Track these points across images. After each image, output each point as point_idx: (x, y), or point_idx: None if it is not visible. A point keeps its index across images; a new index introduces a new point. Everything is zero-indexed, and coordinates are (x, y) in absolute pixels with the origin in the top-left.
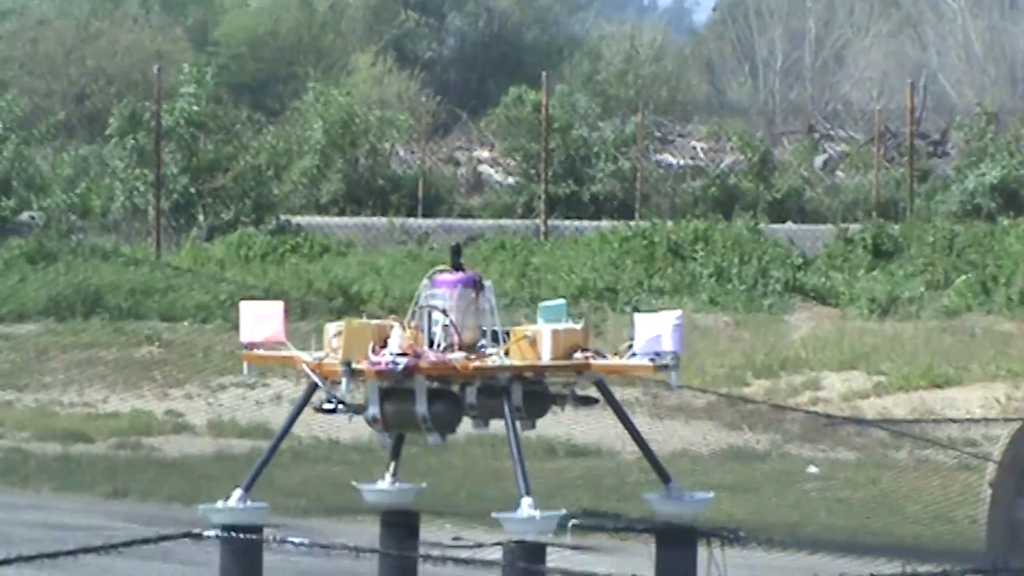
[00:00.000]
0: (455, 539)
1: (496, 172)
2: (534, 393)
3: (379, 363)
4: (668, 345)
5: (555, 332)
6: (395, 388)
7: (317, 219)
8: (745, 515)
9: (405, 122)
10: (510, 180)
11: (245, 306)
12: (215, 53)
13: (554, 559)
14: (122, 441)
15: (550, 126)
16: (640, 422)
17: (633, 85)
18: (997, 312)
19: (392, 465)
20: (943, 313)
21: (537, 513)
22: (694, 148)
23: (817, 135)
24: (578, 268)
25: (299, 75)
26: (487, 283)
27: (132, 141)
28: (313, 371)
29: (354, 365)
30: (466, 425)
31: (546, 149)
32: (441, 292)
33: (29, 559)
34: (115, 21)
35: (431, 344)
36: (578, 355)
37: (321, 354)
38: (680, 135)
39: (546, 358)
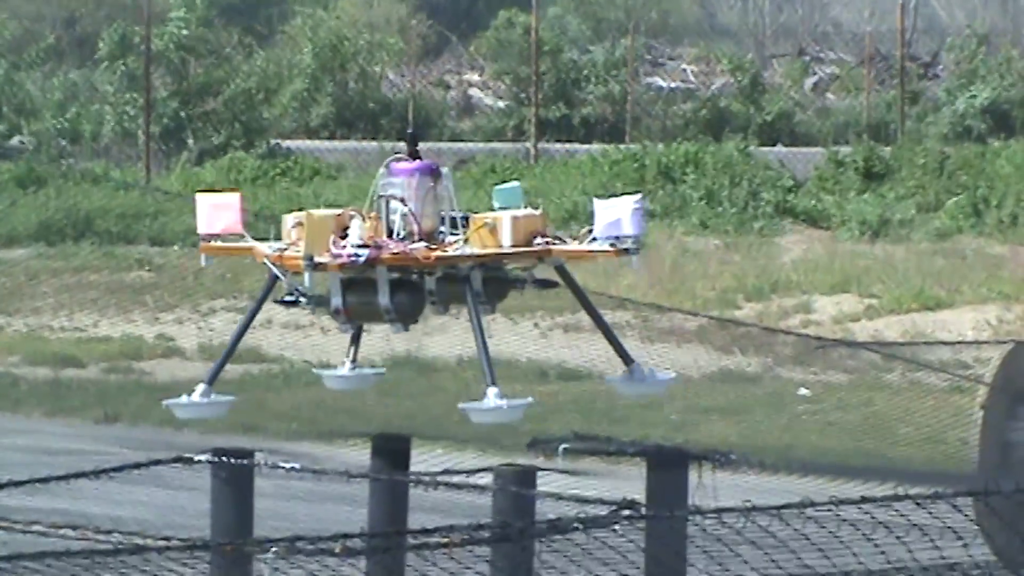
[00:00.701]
0: (445, 472)
1: (486, 95)
2: (494, 278)
3: (341, 256)
4: (628, 229)
5: (515, 219)
6: (356, 279)
7: (307, 143)
8: (737, 438)
9: (395, 45)
10: (500, 103)
11: (201, 197)
12: None
13: (545, 483)
14: (113, 365)
15: (540, 49)
16: (631, 345)
17: (623, 7)
18: (988, 235)
19: (351, 350)
20: (934, 236)
21: (504, 402)
22: (684, 71)
23: (807, 57)
24: (568, 191)
25: None
26: (444, 170)
27: (122, 66)
28: (273, 263)
29: (316, 258)
30: (457, 347)
31: (536, 72)
32: (399, 181)
33: (19, 484)
34: None
35: (390, 233)
36: (538, 241)
37: (281, 244)
38: (670, 58)
39: (507, 245)
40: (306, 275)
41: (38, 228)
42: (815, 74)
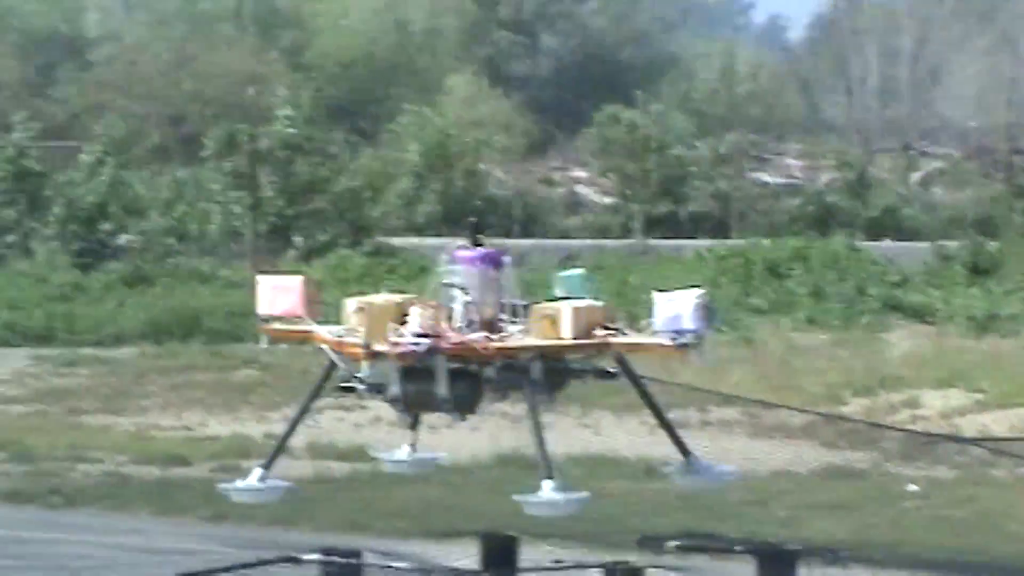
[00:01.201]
0: (556, 561)
1: (593, 192)
2: (554, 368)
3: (401, 345)
4: (688, 323)
5: (576, 310)
6: (415, 368)
7: (414, 240)
8: (845, 534)
9: (500, 143)
10: (607, 200)
11: (263, 279)
12: (309, 75)
13: None
14: (220, 464)
15: (646, 145)
16: (738, 442)
17: (728, 104)
18: None
19: (412, 436)
20: None
21: (560, 496)
22: (789, 166)
23: (913, 152)
24: (675, 287)
25: (394, 96)
26: (506, 258)
27: (228, 164)
28: (333, 349)
29: (375, 347)
30: (563, 444)
31: (643, 169)
32: (461, 269)
33: None
34: (210, 44)
35: (450, 321)
36: (599, 332)
37: (341, 329)
38: (776, 153)
39: (567, 336)
40: (364, 364)
41: (145, 327)
42: (921, 169)
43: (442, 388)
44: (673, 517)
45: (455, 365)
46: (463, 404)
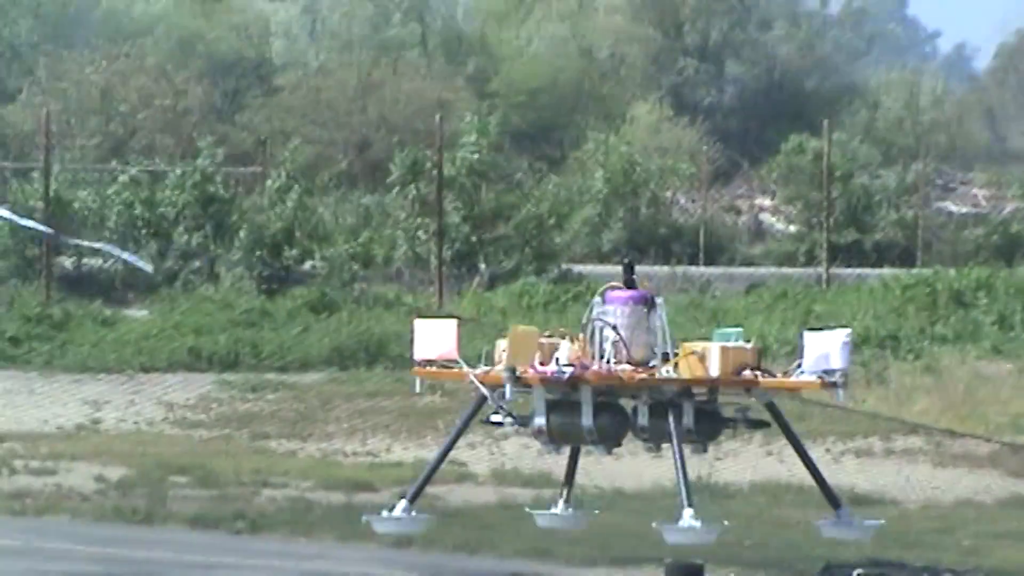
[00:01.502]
0: None
1: (777, 220)
2: (706, 414)
3: (544, 370)
4: (836, 363)
5: (724, 349)
6: (561, 400)
7: (599, 268)
8: None
9: (686, 171)
10: (791, 228)
11: (420, 323)
12: (494, 102)
13: None
14: (406, 490)
15: (831, 174)
16: (922, 471)
17: (913, 132)
18: None
19: (565, 491)
20: None
21: (698, 523)
22: (975, 195)
23: None
24: (860, 315)
25: (579, 124)
26: (659, 300)
27: (414, 190)
28: (480, 382)
29: (518, 371)
30: (748, 472)
31: (828, 198)
32: (612, 308)
33: None
34: (397, 70)
35: (601, 358)
36: (747, 373)
37: (488, 368)
38: (961, 183)
39: (714, 374)
40: (507, 386)
41: (331, 352)
42: None
43: (587, 419)
44: (857, 547)
45: (601, 398)
46: (608, 436)
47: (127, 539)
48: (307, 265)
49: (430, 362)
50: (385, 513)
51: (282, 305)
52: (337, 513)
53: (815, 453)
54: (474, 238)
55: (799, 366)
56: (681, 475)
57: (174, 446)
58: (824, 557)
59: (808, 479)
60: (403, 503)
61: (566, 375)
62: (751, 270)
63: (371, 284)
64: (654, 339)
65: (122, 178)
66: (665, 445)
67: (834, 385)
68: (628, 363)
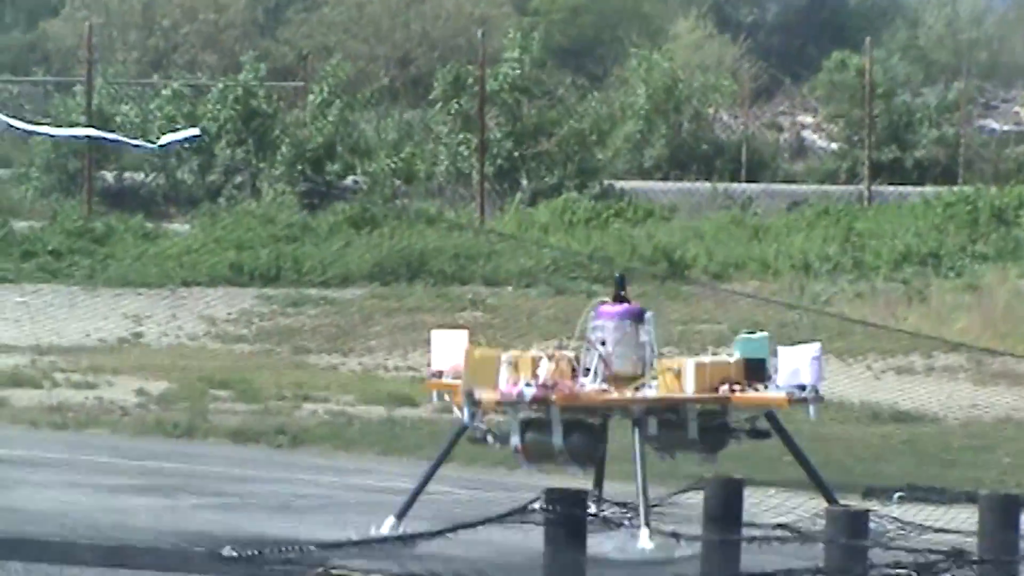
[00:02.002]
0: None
1: (819, 138)
2: (714, 427)
3: (507, 392)
4: (806, 378)
5: (699, 365)
6: (536, 419)
7: (640, 184)
8: None
9: (729, 87)
10: (833, 146)
11: (436, 335)
12: (537, 18)
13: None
14: (445, 405)
15: (873, 92)
16: (963, 388)
17: (954, 50)
18: None
19: (596, 493)
20: None
21: (651, 546)
22: (1017, 113)
23: None
24: (901, 234)
25: (621, 40)
26: (648, 315)
27: (456, 106)
28: (459, 405)
29: (477, 394)
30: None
31: (870, 115)
32: (601, 324)
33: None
34: None
35: (587, 373)
36: (724, 388)
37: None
38: (1003, 100)
39: (689, 391)
40: (465, 409)
41: (372, 268)
42: None
43: (558, 438)
44: (898, 463)
45: (575, 417)
46: (579, 455)
47: (168, 453)
48: (349, 180)
49: (443, 374)
50: (373, 530)
51: (323, 220)
52: (378, 428)
53: (855, 370)
54: (516, 154)
55: (774, 379)
56: (642, 495)
57: (215, 360)
58: (865, 474)
59: (849, 394)
60: (391, 520)
61: (527, 396)
62: (793, 187)
63: (412, 199)
64: (644, 353)
65: (164, 93)
66: (679, 453)
67: (804, 401)
68: (617, 377)
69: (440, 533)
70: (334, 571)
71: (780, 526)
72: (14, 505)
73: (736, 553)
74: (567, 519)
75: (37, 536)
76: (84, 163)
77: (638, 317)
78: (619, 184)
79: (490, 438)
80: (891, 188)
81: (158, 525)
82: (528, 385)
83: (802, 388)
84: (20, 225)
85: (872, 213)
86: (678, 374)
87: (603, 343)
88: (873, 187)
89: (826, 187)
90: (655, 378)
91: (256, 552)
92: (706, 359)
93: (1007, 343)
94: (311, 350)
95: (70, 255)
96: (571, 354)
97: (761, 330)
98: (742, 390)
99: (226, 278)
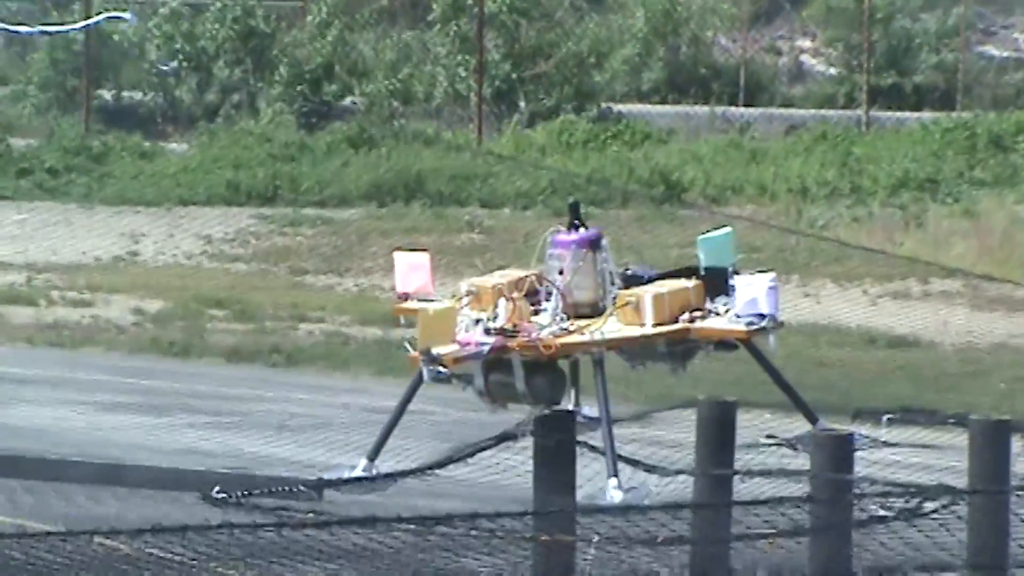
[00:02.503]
0: (768, 436)
1: (818, 62)
2: (681, 343)
3: (464, 348)
4: (764, 307)
5: (657, 297)
6: (498, 360)
7: (638, 107)
8: None
9: (727, 11)
10: (832, 70)
11: (399, 256)
12: None
13: (865, 455)
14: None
15: (872, 16)
16: (959, 314)
17: None
18: None
19: (572, 393)
20: None
21: (620, 495)
22: (1016, 40)
23: None
24: (899, 159)
25: None
26: (604, 241)
27: (455, 27)
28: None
29: (434, 351)
30: (784, 314)
31: (868, 40)
32: (558, 252)
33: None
34: None
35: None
36: (684, 317)
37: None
38: (1002, 27)
39: (649, 324)
40: (424, 368)
41: (369, 189)
42: None
43: (520, 383)
44: (892, 388)
45: (536, 358)
46: (542, 396)
47: (164, 371)
48: (347, 101)
49: (408, 296)
50: (347, 473)
51: (321, 140)
52: (373, 348)
53: (852, 294)
54: (514, 76)
55: (731, 309)
56: (609, 444)
57: (212, 280)
58: (858, 399)
59: (845, 319)
60: (364, 461)
61: (486, 348)
62: (791, 112)
63: (410, 120)
64: (603, 280)
65: (162, 11)
66: (691, 361)
67: (763, 330)
68: (578, 305)
69: (430, 468)
70: None
71: (769, 436)
72: (9, 423)
73: (728, 482)
74: (557, 444)
75: (33, 454)
76: (82, 81)
77: (595, 243)
78: (617, 107)
79: (454, 380)
80: (889, 113)
81: (153, 443)
82: (487, 332)
83: (761, 317)
84: (18, 143)
85: (870, 138)
86: (637, 307)
87: (560, 272)
88: (871, 112)
89: (824, 112)
90: (613, 314)
91: (245, 493)
92: (664, 288)
93: (1004, 269)
94: (308, 270)
95: (67, 173)
96: (532, 277)
97: (758, 255)
98: (703, 316)
99: (223, 197)
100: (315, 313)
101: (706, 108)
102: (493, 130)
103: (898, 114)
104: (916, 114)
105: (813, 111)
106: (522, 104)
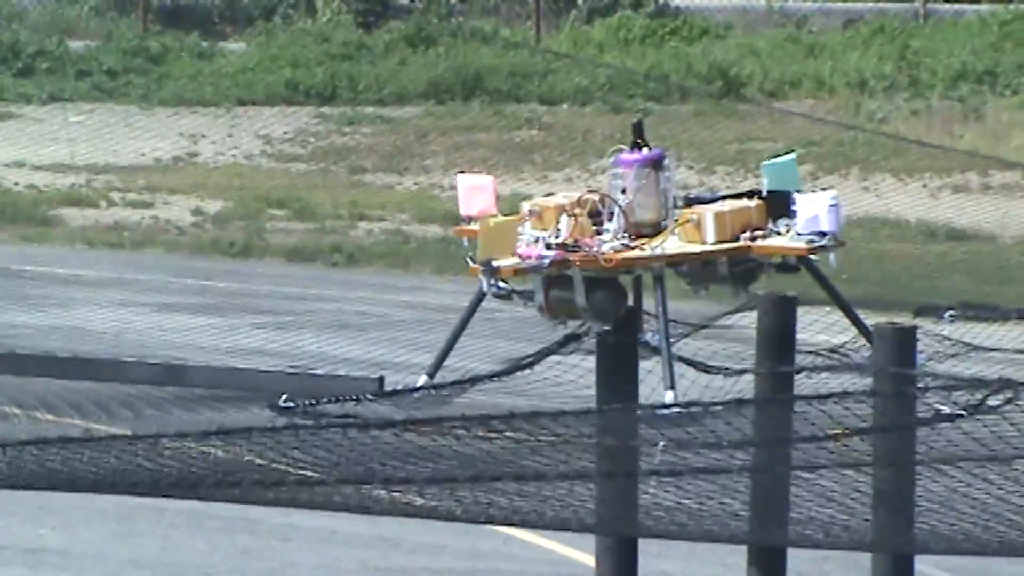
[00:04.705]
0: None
1: None
2: (742, 263)
3: (525, 260)
4: (825, 225)
5: (719, 214)
6: (559, 276)
7: (696, 2)
8: None
9: None
10: None
11: (461, 179)
12: None
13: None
14: None
15: None
16: (1019, 207)
17: None
18: None
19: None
20: None
21: (676, 410)
22: None
23: None
24: (957, 51)
25: None
26: (667, 160)
27: None
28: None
29: (495, 263)
30: (845, 208)
31: None
32: (620, 172)
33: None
34: None
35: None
36: (745, 235)
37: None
38: None
39: (710, 241)
40: (483, 279)
41: (427, 87)
42: None
43: (580, 297)
44: (954, 279)
45: (597, 275)
46: (602, 312)
47: (224, 272)
48: None
49: (472, 219)
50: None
51: (379, 38)
52: (434, 246)
53: (911, 188)
54: None
55: (793, 227)
56: (667, 355)
57: (271, 179)
58: (920, 290)
59: (905, 213)
60: (424, 377)
61: (547, 261)
62: (848, 5)
63: (468, 18)
64: (665, 200)
65: None
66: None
67: (824, 248)
68: (640, 225)
69: (497, 375)
70: None
71: (833, 351)
72: (70, 324)
73: (789, 379)
74: (618, 345)
75: (93, 355)
76: None
77: (658, 163)
78: (674, 2)
79: (515, 296)
80: (947, 6)
81: (215, 343)
82: (548, 247)
83: (822, 235)
84: (75, 44)
85: (928, 31)
86: (698, 224)
87: (623, 191)
88: (928, 4)
89: (881, 4)
90: (674, 231)
91: (312, 403)
92: (726, 206)
93: None
94: (367, 169)
95: (125, 74)
96: (596, 197)
97: (817, 149)
98: (764, 236)
99: (282, 97)
100: (375, 212)
101: (763, 2)
102: (551, 27)
103: (956, 6)
104: (974, 6)
105: (871, 4)
106: (579, 0)
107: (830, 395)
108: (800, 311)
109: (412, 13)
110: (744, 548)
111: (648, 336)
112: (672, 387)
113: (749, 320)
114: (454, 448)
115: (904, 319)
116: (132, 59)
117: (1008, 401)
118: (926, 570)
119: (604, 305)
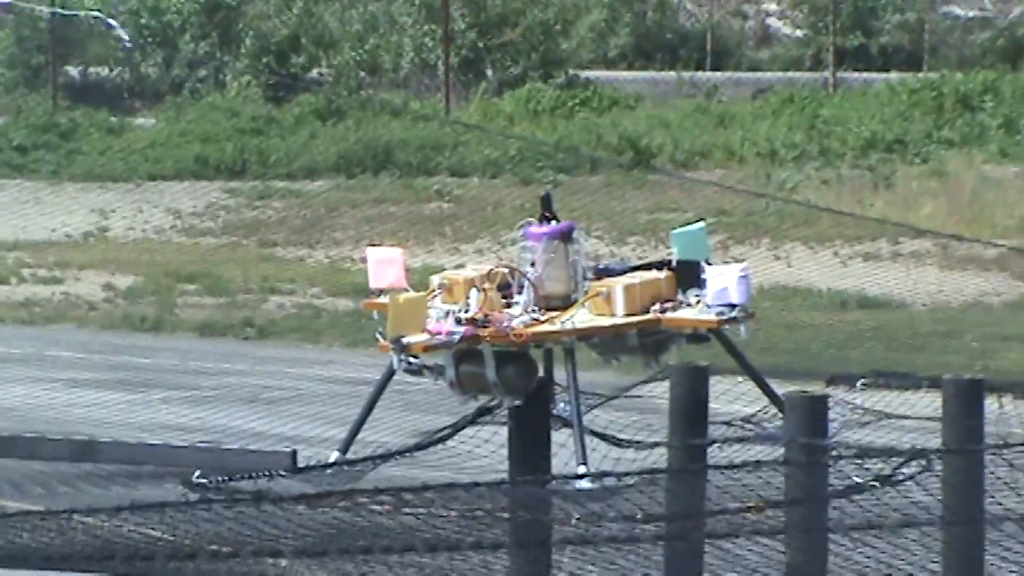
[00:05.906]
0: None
1: (784, 25)
2: (654, 335)
3: (435, 336)
4: (735, 297)
5: (629, 287)
6: (470, 350)
7: (605, 73)
8: None
9: None
10: (798, 32)
11: (371, 252)
12: None
13: (839, 416)
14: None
15: None
16: (930, 274)
17: None
18: None
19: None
20: None
21: (587, 486)
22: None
23: None
24: (867, 120)
25: None
26: (576, 233)
27: None
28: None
29: (405, 339)
30: (756, 277)
31: (834, 1)
32: (530, 244)
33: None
34: None
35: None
36: (656, 307)
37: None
38: None
39: (620, 314)
40: (393, 356)
41: (337, 160)
42: None
43: (491, 372)
44: (865, 350)
45: (508, 349)
46: (512, 387)
47: (136, 347)
48: (313, 72)
49: (382, 291)
50: (321, 463)
51: (289, 112)
52: (344, 319)
53: (822, 256)
54: (480, 44)
55: (703, 299)
56: (578, 431)
57: (182, 254)
58: (832, 358)
59: (816, 281)
60: (336, 454)
61: (457, 336)
62: (758, 75)
63: (378, 91)
64: (574, 272)
65: None
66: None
67: (734, 320)
68: (549, 298)
69: (409, 451)
70: None
71: (746, 420)
72: None
73: (703, 449)
74: (531, 417)
75: (4, 432)
76: (48, 58)
77: (567, 236)
78: (584, 73)
79: (426, 372)
80: (856, 75)
81: (127, 419)
82: (458, 322)
83: (732, 307)
84: None
85: (837, 100)
86: (608, 298)
87: (532, 264)
88: (838, 74)
89: (791, 74)
90: (584, 304)
91: (225, 479)
92: (636, 278)
93: (973, 229)
94: (278, 243)
95: (35, 150)
96: (505, 270)
97: (727, 219)
98: (674, 307)
99: (192, 171)
100: (286, 286)
101: (673, 73)
102: (461, 99)
103: (865, 75)
104: (883, 75)
105: (780, 74)
106: (489, 72)
107: (744, 464)
108: (712, 380)
109: (321, 87)
110: None
111: (560, 406)
112: (584, 462)
113: (662, 389)
114: (368, 520)
115: (816, 388)
116: (42, 135)
117: (922, 470)
118: None
119: (515, 380)
